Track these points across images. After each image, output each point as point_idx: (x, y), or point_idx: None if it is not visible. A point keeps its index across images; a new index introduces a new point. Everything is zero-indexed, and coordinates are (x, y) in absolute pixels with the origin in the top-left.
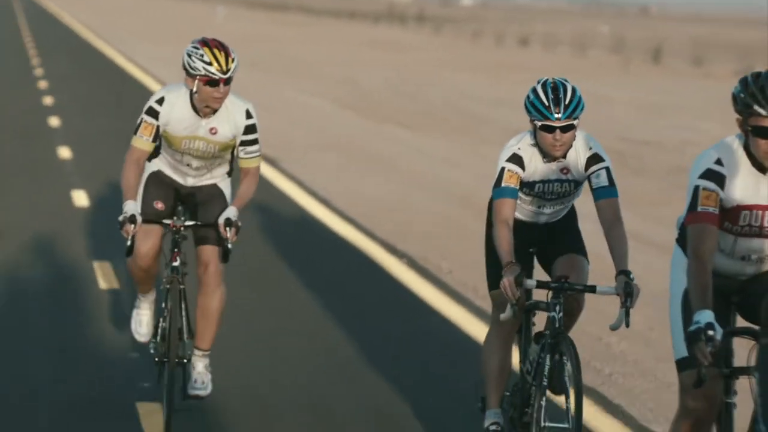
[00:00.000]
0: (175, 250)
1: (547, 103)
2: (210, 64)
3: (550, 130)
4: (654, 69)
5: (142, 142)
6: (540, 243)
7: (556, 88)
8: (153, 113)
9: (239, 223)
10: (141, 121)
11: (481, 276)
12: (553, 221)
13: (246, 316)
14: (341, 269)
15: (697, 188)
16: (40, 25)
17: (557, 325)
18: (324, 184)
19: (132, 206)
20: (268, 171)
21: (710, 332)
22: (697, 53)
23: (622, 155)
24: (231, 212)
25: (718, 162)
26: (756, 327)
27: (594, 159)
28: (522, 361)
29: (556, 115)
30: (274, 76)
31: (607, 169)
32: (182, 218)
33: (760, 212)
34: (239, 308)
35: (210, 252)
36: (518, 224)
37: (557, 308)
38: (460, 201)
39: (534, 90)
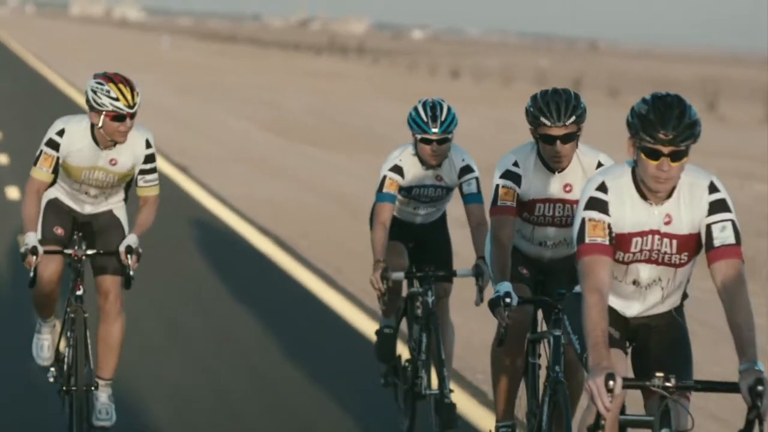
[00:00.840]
0: (78, 279)
1: (426, 120)
2: (117, 99)
3: (428, 142)
4: (604, 104)
5: (42, 173)
6: (415, 241)
7: (434, 107)
8: (53, 145)
9: (140, 251)
10: (41, 153)
11: (331, 248)
12: (427, 222)
13: (154, 304)
14: (223, 248)
15: (497, 186)
16: None
17: (429, 307)
18: (225, 187)
19: (33, 238)
20: (177, 175)
21: (507, 300)
22: (614, 85)
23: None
24: (132, 239)
25: (515, 164)
26: (547, 299)
27: (466, 170)
28: (409, 340)
29: (434, 130)
30: (206, 101)
31: (477, 179)
32: (83, 247)
33: (551, 204)
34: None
35: (110, 282)
36: (398, 222)
37: (428, 293)
38: (340, 202)
39: (415, 108)
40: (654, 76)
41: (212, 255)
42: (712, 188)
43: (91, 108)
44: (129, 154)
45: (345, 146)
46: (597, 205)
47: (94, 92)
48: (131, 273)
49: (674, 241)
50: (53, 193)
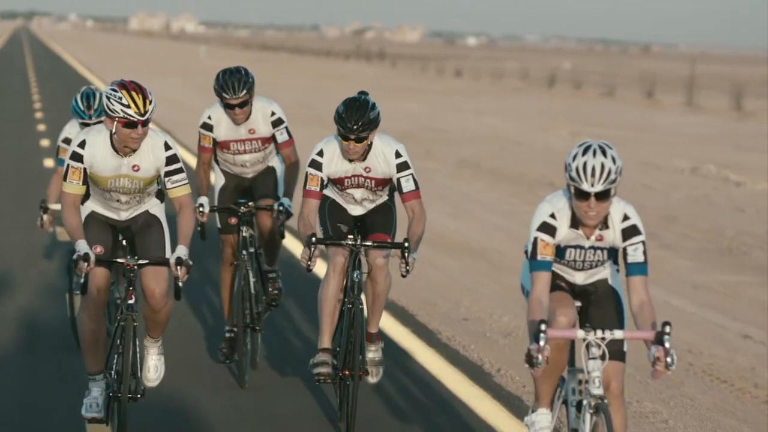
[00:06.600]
0: (130, 288)
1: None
2: (128, 106)
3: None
4: (547, 92)
5: (73, 186)
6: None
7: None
8: (77, 157)
9: (190, 262)
10: (68, 167)
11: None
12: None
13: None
14: None
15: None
16: (43, 60)
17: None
18: (194, 145)
19: (83, 245)
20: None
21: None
22: (611, 83)
23: (421, 141)
24: (181, 251)
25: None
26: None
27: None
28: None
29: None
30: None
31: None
32: (135, 257)
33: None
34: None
35: (154, 275)
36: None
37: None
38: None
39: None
40: (662, 73)
41: None
42: (397, 155)
43: (106, 115)
44: (150, 158)
45: (307, 124)
46: (313, 164)
47: (108, 99)
48: (180, 284)
49: (373, 182)
50: (89, 207)
